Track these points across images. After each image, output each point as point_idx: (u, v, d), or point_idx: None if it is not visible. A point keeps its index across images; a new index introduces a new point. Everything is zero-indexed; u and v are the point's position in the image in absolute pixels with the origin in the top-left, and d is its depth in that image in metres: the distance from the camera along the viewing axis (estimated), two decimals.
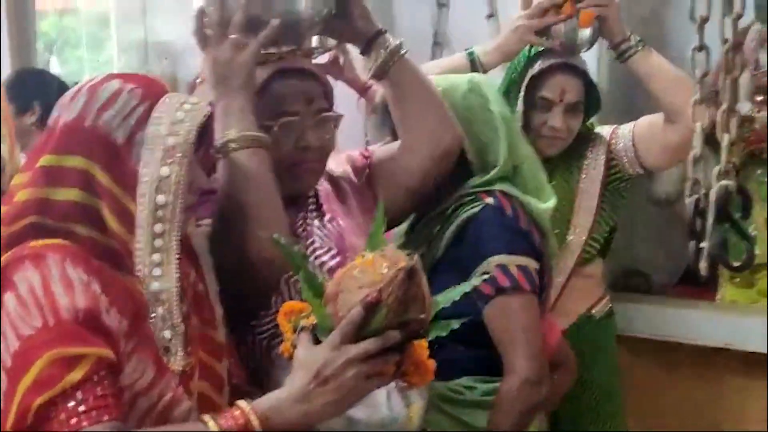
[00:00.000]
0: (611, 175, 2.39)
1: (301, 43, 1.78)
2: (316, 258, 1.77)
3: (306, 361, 1.35)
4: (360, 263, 1.39)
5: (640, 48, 2.26)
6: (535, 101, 2.30)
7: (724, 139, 1.20)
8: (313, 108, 1.74)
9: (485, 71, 2.28)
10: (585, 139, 2.41)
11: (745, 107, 2.65)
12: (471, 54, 2.27)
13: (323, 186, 1.85)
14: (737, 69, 1.17)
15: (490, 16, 2.94)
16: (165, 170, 1.37)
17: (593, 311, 2.44)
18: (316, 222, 1.81)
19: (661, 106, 2.26)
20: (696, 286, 2.69)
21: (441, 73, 2.18)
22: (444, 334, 1.42)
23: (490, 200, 1.89)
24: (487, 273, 1.82)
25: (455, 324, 1.44)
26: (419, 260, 1.36)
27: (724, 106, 1.20)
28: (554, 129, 2.30)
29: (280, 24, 1.66)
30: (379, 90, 2.09)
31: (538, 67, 2.29)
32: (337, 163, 1.88)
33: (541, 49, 2.32)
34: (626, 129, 2.38)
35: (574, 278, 2.39)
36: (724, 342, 2.62)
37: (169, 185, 1.37)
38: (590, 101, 2.34)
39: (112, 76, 1.41)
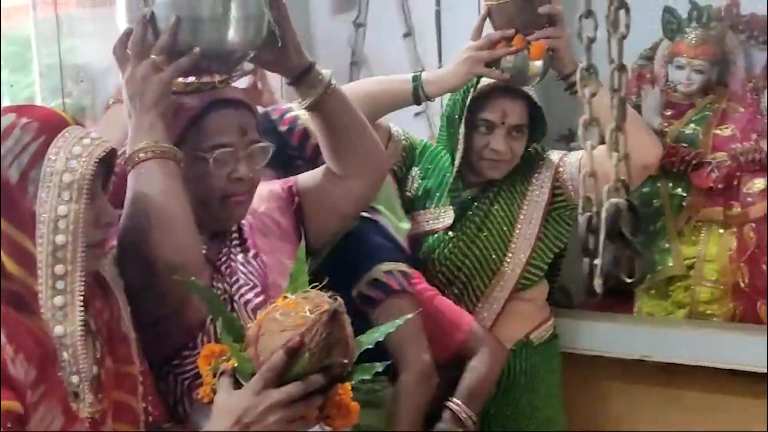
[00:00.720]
0: (556, 202, 2.38)
1: (232, 73, 1.77)
2: (240, 296, 1.75)
3: (226, 406, 1.34)
4: (282, 305, 1.38)
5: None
6: (477, 123, 2.30)
7: (613, 158, 1.22)
8: (247, 139, 1.73)
9: (428, 99, 2.28)
10: (532, 164, 2.40)
11: (655, 122, 2.71)
12: (416, 80, 2.26)
13: (247, 220, 1.83)
14: (623, 88, 1.19)
15: (407, 35, 2.96)
16: (62, 209, 1.32)
17: (531, 336, 2.44)
18: (240, 257, 1.78)
19: (606, 140, 2.24)
20: (615, 299, 2.74)
21: (380, 94, 2.21)
22: (368, 377, 1.43)
23: (365, 214, 2.03)
24: (377, 279, 2.01)
25: (379, 367, 1.44)
26: (342, 303, 1.35)
27: (613, 125, 1.21)
28: (496, 152, 2.31)
29: (212, 54, 1.67)
30: None
31: (479, 88, 2.29)
32: (259, 200, 1.86)
33: None
34: (574, 157, 2.36)
35: (513, 302, 2.39)
36: (641, 354, 2.66)
37: (68, 224, 1.32)
38: (536, 125, 2.34)
39: (7, 110, 1.37)
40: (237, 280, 1.76)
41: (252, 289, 1.76)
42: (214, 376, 1.40)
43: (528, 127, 2.34)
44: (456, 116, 2.32)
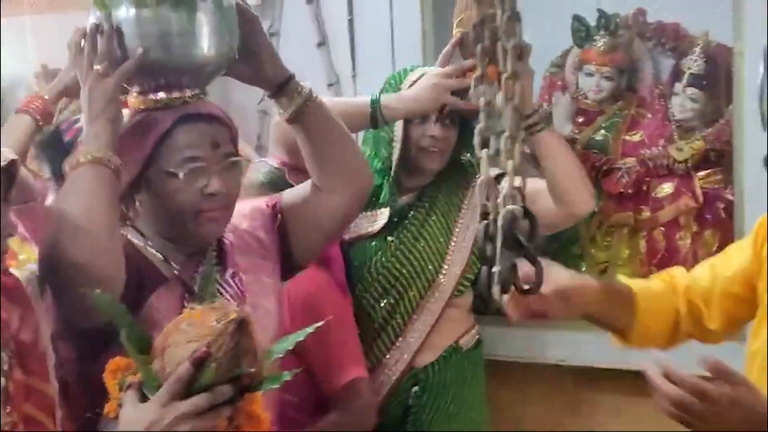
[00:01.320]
0: None
1: (204, 87, 1.75)
2: None
3: (132, 420, 1.32)
4: (188, 316, 1.36)
5: (545, 126, 2.25)
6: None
7: (508, 166, 1.23)
8: (219, 153, 1.69)
9: (386, 123, 2.27)
10: (467, 177, 2.42)
11: (566, 128, 2.74)
12: (374, 103, 2.23)
13: (228, 239, 1.80)
14: (516, 97, 1.20)
15: (321, 44, 2.95)
16: None
17: (461, 342, 2.45)
18: (219, 276, 1.75)
19: (550, 186, 2.25)
20: None
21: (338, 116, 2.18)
22: (276, 386, 1.42)
23: None
24: None
25: (287, 375, 1.43)
26: (249, 313, 1.34)
27: (507, 133, 1.22)
28: (434, 138, 2.31)
29: (182, 68, 1.67)
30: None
31: (409, 80, 2.30)
32: (241, 217, 1.84)
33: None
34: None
35: (444, 309, 2.39)
36: (557, 359, 2.68)
37: None
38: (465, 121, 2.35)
39: None
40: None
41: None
42: (121, 390, 1.38)
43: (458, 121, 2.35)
44: None
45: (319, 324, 1.59)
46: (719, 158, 2.59)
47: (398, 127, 2.32)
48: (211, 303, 1.39)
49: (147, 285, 1.68)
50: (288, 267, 1.88)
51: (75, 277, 1.52)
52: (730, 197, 2.56)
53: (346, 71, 2.83)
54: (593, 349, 2.61)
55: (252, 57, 1.75)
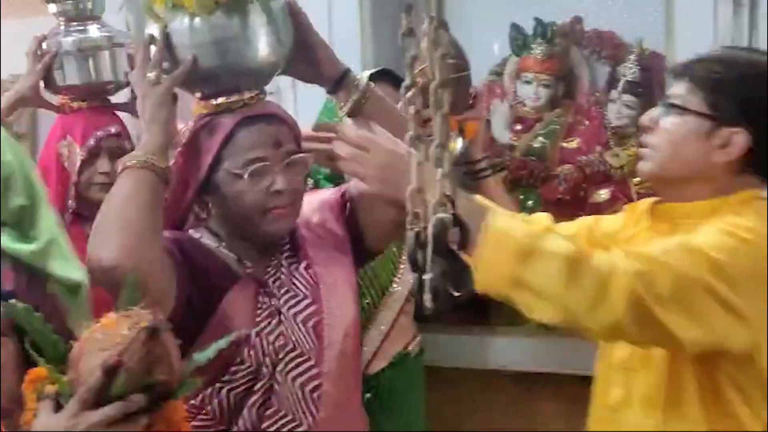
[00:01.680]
0: None
1: (263, 87, 1.80)
2: (289, 308, 1.78)
3: (44, 430, 1.30)
4: (103, 324, 1.35)
5: (490, 173, 2.29)
6: None
7: (438, 174, 1.23)
8: (282, 151, 1.75)
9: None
10: None
11: (505, 136, 2.77)
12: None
13: (301, 233, 1.85)
14: (445, 105, 1.21)
15: None
16: None
17: (410, 348, 2.46)
18: (292, 269, 1.81)
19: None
20: (476, 311, 2.77)
21: None
22: (188, 393, 1.41)
23: None
24: None
25: (200, 382, 1.42)
26: (164, 320, 1.33)
27: (437, 141, 1.23)
28: None
29: (238, 72, 1.73)
30: None
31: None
32: (312, 211, 1.88)
33: None
34: None
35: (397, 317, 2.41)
36: (497, 364, 2.70)
37: None
38: None
39: None
40: (287, 292, 1.80)
41: (302, 300, 1.80)
42: (38, 399, 1.36)
43: None
44: None
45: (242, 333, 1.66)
46: None
47: None
48: (126, 310, 1.37)
49: (220, 286, 1.74)
50: (362, 254, 1.94)
51: (102, 279, 1.59)
52: None
53: (288, 94, 2.81)
54: (534, 354, 2.65)
55: (307, 55, 1.82)
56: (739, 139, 1.61)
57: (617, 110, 2.65)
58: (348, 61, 2.52)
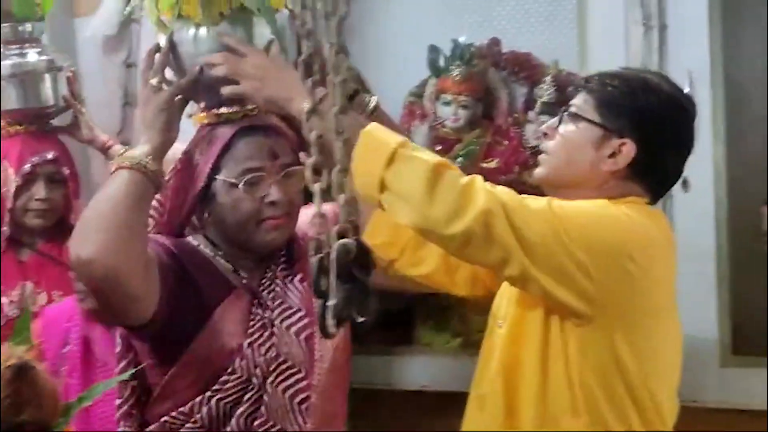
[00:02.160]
0: None
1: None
2: (282, 320, 1.80)
3: None
4: None
5: None
6: None
7: (340, 200, 1.23)
8: (279, 163, 1.78)
9: None
10: None
11: None
12: None
13: (299, 245, 1.86)
14: (346, 131, 1.21)
15: None
16: None
17: None
18: (287, 281, 1.84)
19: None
20: (397, 332, 2.78)
21: None
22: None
23: None
24: None
25: (69, 414, 1.42)
26: (32, 359, 1.31)
27: (338, 167, 1.23)
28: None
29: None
30: None
31: None
32: (308, 224, 1.87)
33: None
34: None
35: None
36: (420, 384, 2.70)
37: None
38: None
39: None
40: (281, 304, 1.82)
41: (295, 312, 1.82)
42: None
43: None
44: None
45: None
46: None
47: None
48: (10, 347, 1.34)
49: (214, 295, 1.77)
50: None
51: (80, 273, 1.64)
52: None
53: None
54: (455, 374, 2.65)
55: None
56: (626, 149, 1.70)
57: (535, 130, 2.68)
58: None
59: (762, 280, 2.55)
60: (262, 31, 1.78)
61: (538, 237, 1.56)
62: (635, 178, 1.73)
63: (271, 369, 1.78)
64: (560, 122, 1.79)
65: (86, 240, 1.62)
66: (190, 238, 1.85)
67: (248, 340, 1.77)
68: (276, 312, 1.81)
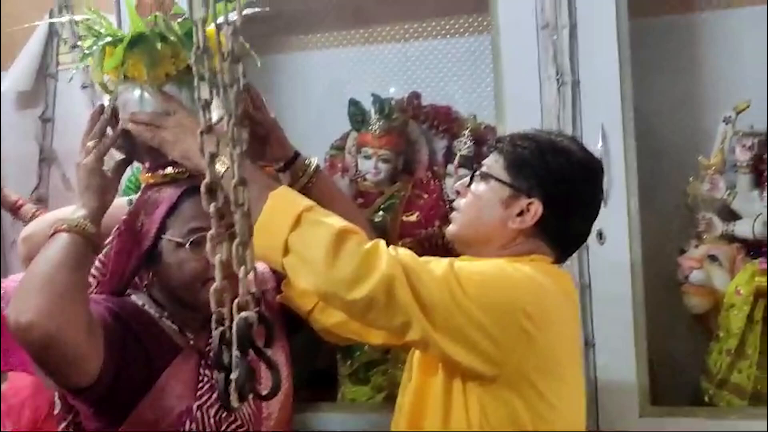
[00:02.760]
0: None
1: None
2: None
3: None
4: None
5: None
6: None
7: (241, 272, 1.22)
8: (225, 223, 1.67)
9: None
10: None
11: None
12: None
13: None
14: (246, 203, 1.20)
15: None
16: None
17: None
18: None
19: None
20: (321, 387, 2.75)
21: None
22: None
23: None
24: None
25: None
26: None
27: (238, 239, 1.22)
28: None
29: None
30: None
31: None
32: (262, 279, 1.94)
33: None
34: None
35: None
36: None
37: None
38: None
39: None
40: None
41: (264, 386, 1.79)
42: None
43: None
44: None
45: None
46: None
47: None
48: None
49: (161, 356, 1.76)
50: (291, 325, 2.01)
51: (18, 337, 1.61)
52: None
53: None
54: (379, 429, 2.63)
55: (258, 134, 1.87)
56: (533, 208, 1.75)
57: (454, 184, 2.69)
58: None
59: (678, 328, 2.59)
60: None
61: (437, 299, 1.58)
62: (542, 235, 1.77)
63: (222, 429, 1.78)
64: (472, 181, 1.82)
65: (25, 304, 1.61)
66: (134, 298, 1.84)
67: (197, 403, 1.76)
68: None
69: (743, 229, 2.46)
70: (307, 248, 1.55)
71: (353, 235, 1.58)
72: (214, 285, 1.23)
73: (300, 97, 2.90)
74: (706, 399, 2.44)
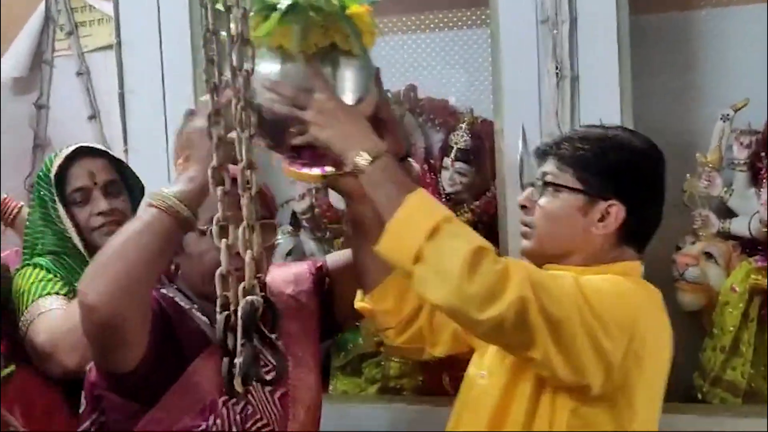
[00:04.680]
0: None
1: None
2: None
3: None
4: None
5: None
6: (71, 197, 2.23)
7: (247, 256, 1.21)
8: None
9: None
10: None
11: (342, 203, 2.76)
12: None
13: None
14: (254, 187, 1.20)
15: (92, 117, 2.88)
16: None
17: None
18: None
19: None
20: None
21: None
22: None
23: None
24: None
25: None
26: None
27: (244, 223, 1.21)
28: (104, 214, 2.23)
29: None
30: None
31: (57, 163, 2.23)
32: (285, 283, 1.88)
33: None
34: None
35: None
36: None
37: None
38: (127, 177, 2.32)
39: None
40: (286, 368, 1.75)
41: (270, 371, 1.69)
42: None
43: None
44: (48, 201, 2.23)
45: None
46: (488, 230, 2.66)
47: (61, 217, 2.23)
48: None
49: (191, 347, 1.73)
50: (329, 328, 1.97)
51: (84, 318, 1.56)
52: None
53: (118, 145, 2.75)
54: (374, 420, 2.63)
55: (377, 126, 1.74)
56: (615, 210, 1.68)
57: (450, 177, 2.69)
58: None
59: (672, 325, 2.59)
60: (345, 73, 1.71)
61: (565, 316, 1.53)
62: (624, 237, 1.71)
63: (247, 427, 1.76)
64: (540, 194, 1.74)
65: (96, 284, 1.54)
66: (163, 291, 1.81)
67: (223, 398, 1.73)
68: None
69: (740, 226, 2.46)
70: (442, 261, 1.48)
71: (489, 253, 1.51)
72: (219, 269, 1.22)
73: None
74: (700, 396, 2.44)
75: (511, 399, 1.66)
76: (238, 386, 1.23)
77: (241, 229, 1.20)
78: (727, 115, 2.47)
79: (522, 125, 2.41)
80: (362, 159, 1.52)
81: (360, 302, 1.87)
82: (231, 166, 1.25)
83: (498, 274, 1.49)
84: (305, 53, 1.64)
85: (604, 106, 2.35)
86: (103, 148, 2.33)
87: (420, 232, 1.49)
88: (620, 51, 2.34)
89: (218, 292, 1.22)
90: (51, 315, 2.08)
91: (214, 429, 1.72)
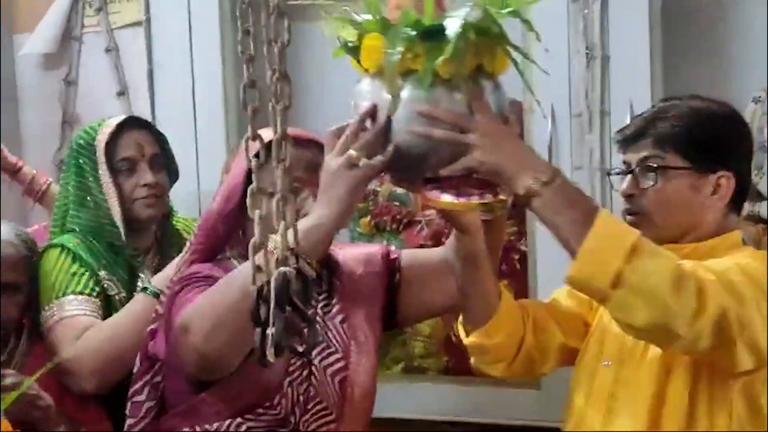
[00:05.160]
0: None
1: None
2: (321, 359, 1.76)
3: None
4: None
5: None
6: (117, 166, 2.25)
7: (281, 228, 1.21)
8: (317, 177, 1.63)
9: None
10: None
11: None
12: None
13: (342, 281, 1.83)
14: (287, 158, 1.20)
15: (121, 93, 2.89)
16: None
17: None
18: (327, 319, 1.80)
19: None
20: None
21: None
22: None
23: None
24: None
25: None
26: None
27: (278, 195, 1.21)
28: (149, 186, 2.25)
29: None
30: None
31: (108, 131, 2.24)
32: (357, 262, 1.86)
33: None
34: None
35: None
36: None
37: None
38: (167, 154, 2.34)
39: None
40: (320, 343, 1.78)
41: (333, 353, 1.78)
42: None
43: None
44: (87, 170, 2.25)
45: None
46: (513, 211, 2.65)
47: (105, 183, 2.24)
48: None
49: None
50: (387, 321, 1.93)
51: (191, 359, 1.63)
52: (523, 248, 2.64)
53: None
54: (398, 398, 2.64)
55: None
56: (724, 181, 1.68)
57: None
58: (211, 112, 2.58)
59: None
60: (490, 96, 1.60)
61: (750, 313, 1.52)
62: (730, 204, 1.71)
63: (308, 408, 1.76)
64: (644, 179, 1.71)
65: (210, 335, 1.58)
66: (234, 263, 1.80)
67: (288, 378, 1.73)
68: (315, 351, 1.77)
69: None
70: (647, 281, 1.44)
71: (683, 266, 1.49)
72: (253, 239, 1.22)
73: (319, 67, 2.87)
74: None
75: (664, 396, 1.64)
76: (270, 356, 1.23)
77: (275, 201, 1.20)
78: (759, 97, 2.46)
79: (551, 105, 2.40)
80: (536, 183, 1.47)
81: (471, 338, 1.80)
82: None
83: (696, 285, 1.47)
84: (460, 76, 1.52)
85: (634, 86, 2.34)
86: (149, 121, 2.37)
87: (618, 255, 1.44)
88: (651, 31, 2.33)
89: (251, 262, 1.22)
90: (76, 324, 2.09)
91: (280, 408, 1.72)
